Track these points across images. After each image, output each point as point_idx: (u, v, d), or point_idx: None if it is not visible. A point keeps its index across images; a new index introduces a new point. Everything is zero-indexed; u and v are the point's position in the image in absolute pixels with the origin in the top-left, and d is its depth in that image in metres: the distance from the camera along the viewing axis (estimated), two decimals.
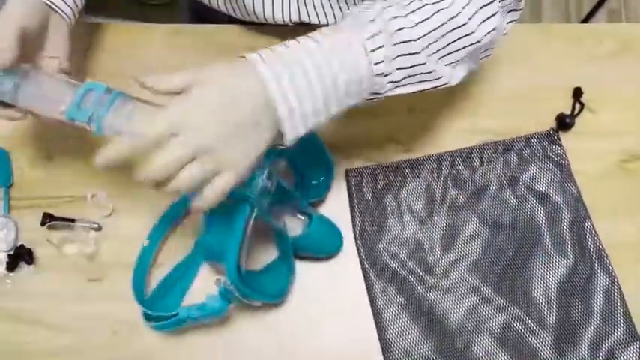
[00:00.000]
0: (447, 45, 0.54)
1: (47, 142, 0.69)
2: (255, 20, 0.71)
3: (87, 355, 0.61)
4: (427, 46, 0.52)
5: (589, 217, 0.66)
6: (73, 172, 0.67)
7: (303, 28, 0.70)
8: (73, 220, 0.64)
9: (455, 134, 0.70)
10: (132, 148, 0.46)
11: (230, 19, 0.74)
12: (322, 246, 0.65)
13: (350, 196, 0.67)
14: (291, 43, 0.48)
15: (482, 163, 0.68)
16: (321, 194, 0.66)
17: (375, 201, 0.66)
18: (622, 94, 0.73)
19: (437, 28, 0.52)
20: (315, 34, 0.49)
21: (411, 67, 0.52)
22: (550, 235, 0.65)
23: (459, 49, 0.55)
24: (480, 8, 0.54)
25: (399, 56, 0.51)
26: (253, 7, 0.69)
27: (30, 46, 0.56)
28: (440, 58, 0.54)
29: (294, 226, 0.64)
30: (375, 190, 0.67)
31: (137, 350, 0.61)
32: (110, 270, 0.63)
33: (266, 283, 0.60)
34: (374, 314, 0.63)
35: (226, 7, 0.71)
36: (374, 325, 0.62)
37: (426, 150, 0.68)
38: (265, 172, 0.52)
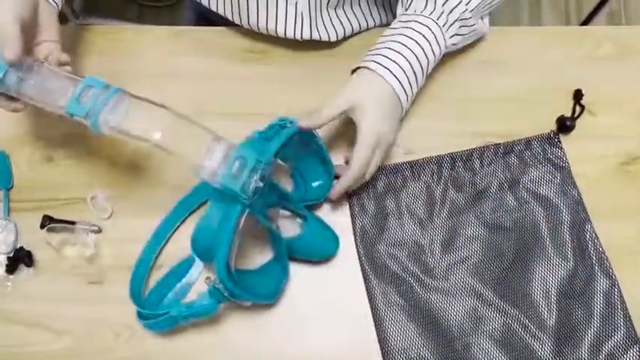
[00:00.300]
0: (488, 4, 0.68)
1: (47, 145, 0.69)
2: (265, 34, 0.72)
3: (87, 358, 0.61)
4: (477, 14, 0.67)
5: (589, 220, 0.66)
6: (72, 174, 0.68)
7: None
8: (72, 223, 0.64)
9: (455, 136, 0.70)
10: (355, 179, 0.61)
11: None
12: (316, 249, 0.65)
13: (349, 197, 0.67)
14: (399, 47, 0.63)
15: (482, 166, 0.68)
16: (320, 196, 0.65)
17: (375, 202, 0.66)
18: (622, 97, 0.73)
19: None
20: (407, 32, 0.64)
21: (467, 33, 0.68)
22: (550, 238, 0.65)
23: (496, 3, 0.69)
24: None
25: (459, 28, 0.66)
26: (267, 25, 0.70)
27: (26, 36, 0.56)
28: (483, 16, 0.70)
29: (289, 227, 0.64)
30: (375, 191, 0.67)
31: (137, 353, 0.61)
32: (110, 272, 0.63)
33: (258, 284, 0.60)
34: (373, 316, 0.63)
35: (233, 19, 0.72)
36: (373, 327, 0.62)
37: (426, 152, 0.68)
38: (258, 172, 0.52)
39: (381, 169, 0.67)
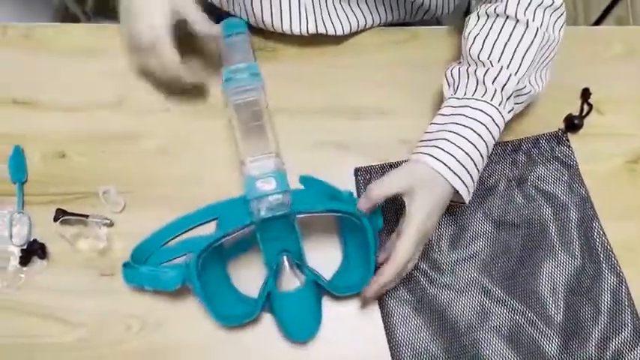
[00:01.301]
0: (541, 62, 0.65)
1: (60, 140, 0.70)
2: (272, 31, 0.72)
3: (99, 349, 0.61)
4: (530, 76, 0.63)
5: (597, 218, 0.66)
6: (85, 169, 0.68)
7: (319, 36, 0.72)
8: (86, 216, 0.65)
9: None
10: (397, 274, 0.58)
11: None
12: (296, 322, 0.61)
13: (359, 194, 0.68)
14: (462, 143, 0.59)
15: (490, 163, 0.68)
16: (355, 288, 0.61)
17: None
18: (630, 96, 0.74)
19: (532, 60, 0.62)
20: (467, 121, 0.60)
21: (525, 99, 0.64)
22: (558, 235, 0.66)
23: (550, 59, 0.66)
24: (557, 17, 0.66)
25: (516, 97, 0.63)
26: (272, 21, 0.71)
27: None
28: (537, 75, 0.65)
29: (288, 280, 0.62)
30: None
31: (148, 346, 0.61)
32: (122, 265, 0.64)
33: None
34: (382, 312, 0.63)
35: (241, 16, 0.73)
36: (381, 322, 0.63)
37: None
38: (276, 202, 0.57)
39: (390, 165, 0.68)
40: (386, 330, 0.62)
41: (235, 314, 0.60)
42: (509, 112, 0.62)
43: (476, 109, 0.60)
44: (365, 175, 0.68)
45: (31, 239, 0.65)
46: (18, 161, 0.68)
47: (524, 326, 0.62)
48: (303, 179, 0.66)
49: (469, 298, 0.63)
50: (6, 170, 0.67)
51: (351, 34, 0.76)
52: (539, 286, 0.64)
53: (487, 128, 0.60)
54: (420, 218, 0.57)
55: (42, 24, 0.78)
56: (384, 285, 0.58)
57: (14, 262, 0.64)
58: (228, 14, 0.75)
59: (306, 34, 0.72)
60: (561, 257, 0.65)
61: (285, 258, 0.61)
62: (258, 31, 0.75)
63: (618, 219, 0.67)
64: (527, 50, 0.62)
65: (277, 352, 0.62)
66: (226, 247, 0.63)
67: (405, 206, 0.58)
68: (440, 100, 0.70)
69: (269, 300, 0.60)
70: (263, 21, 0.71)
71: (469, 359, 0.61)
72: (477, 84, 0.62)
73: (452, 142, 0.59)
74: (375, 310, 0.63)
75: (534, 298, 0.63)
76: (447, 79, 0.66)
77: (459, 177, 0.58)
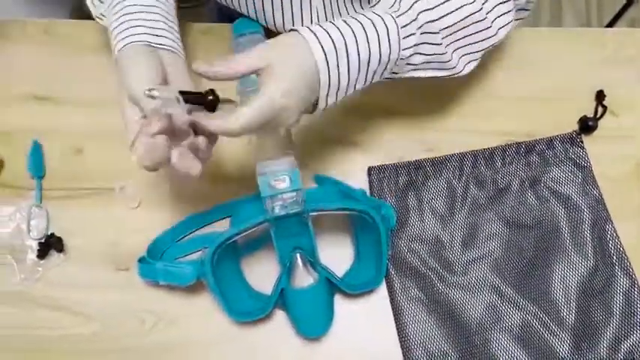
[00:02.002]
0: (466, 37, 0.59)
1: (78, 136, 0.71)
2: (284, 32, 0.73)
3: (114, 343, 0.62)
4: (448, 37, 0.57)
5: (610, 220, 0.66)
6: (102, 164, 0.69)
7: None
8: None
9: (477, 135, 0.70)
10: (225, 132, 0.50)
11: None
12: (308, 316, 0.61)
13: (371, 193, 0.68)
14: (341, 25, 0.52)
15: (504, 164, 0.68)
16: (360, 288, 0.62)
17: (396, 198, 0.67)
18: None
19: (459, 20, 0.57)
20: (358, 17, 0.53)
21: (431, 54, 0.58)
22: (571, 237, 0.66)
23: (476, 42, 0.60)
24: (497, 5, 0.59)
25: (422, 43, 0.56)
26: (283, 23, 0.71)
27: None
28: (457, 49, 0.59)
29: (301, 277, 0.61)
30: (396, 187, 0.68)
31: (162, 340, 0.62)
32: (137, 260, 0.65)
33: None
34: (393, 310, 0.63)
35: (257, 18, 0.73)
36: (393, 322, 0.63)
37: (447, 150, 0.69)
38: (290, 200, 0.57)
39: (402, 165, 0.68)
40: (397, 328, 0.63)
41: (248, 310, 0.61)
42: (409, 48, 0.55)
43: (377, 14, 0.54)
44: (378, 174, 0.68)
45: (49, 233, 0.66)
46: (37, 156, 0.69)
47: (535, 327, 0.62)
48: (318, 178, 0.67)
49: (481, 298, 0.63)
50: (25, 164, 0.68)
51: None
52: (552, 287, 0.64)
53: (378, 36, 0.53)
54: (274, 90, 0.49)
55: (61, 20, 0.79)
56: (207, 127, 0.50)
57: (32, 255, 0.65)
58: (241, 15, 0.75)
59: None
60: (574, 259, 0.65)
61: (298, 255, 0.61)
62: (270, 30, 0.76)
63: (632, 221, 0.67)
64: (457, 8, 0.56)
65: (288, 350, 0.62)
66: (240, 244, 0.64)
67: None
68: (452, 96, 0.70)
69: (282, 297, 0.60)
70: (274, 23, 0.72)
71: (480, 359, 0.61)
72: (394, 1, 0.56)
73: (334, 25, 0.52)
74: (386, 308, 0.64)
75: (546, 299, 0.63)
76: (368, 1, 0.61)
77: (325, 54, 0.51)
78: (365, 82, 0.55)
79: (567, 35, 0.78)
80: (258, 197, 0.58)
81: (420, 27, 0.55)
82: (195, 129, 0.53)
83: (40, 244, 0.65)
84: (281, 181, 0.58)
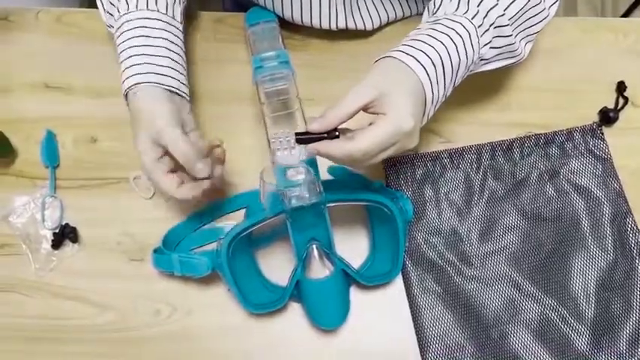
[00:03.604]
0: (526, 21, 0.61)
1: (92, 126, 0.70)
2: (300, 24, 0.72)
3: (128, 333, 0.62)
4: (515, 27, 0.59)
5: (631, 213, 0.65)
6: (116, 154, 0.69)
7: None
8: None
9: (495, 126, 0.69)
10: (353, 159, 0.51)
11: None
12: (320, 310, 0.61)
13: (388, 185, 0.67)
14: (429, 40, 0.54)
15: (522, 156, 0.67)
16: (376, 281, 0.62)
17: (412, 190, 0.67)
18: None
19: (521, 7, 0.59)
20: (437, 27, 0.55)
21: (503, 46, 0.59)
22: (590, 230, 0.65)
23: (535, 24, 0.62)
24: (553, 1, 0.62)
25: (495, 37, 0.58)
26: (301, 17, 0.71)
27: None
28: (520, 34, 0.61)
29: (316, 268, 0.61)
30: (413, 179, 0.67)
31: (177, 331, 0.62)
32: (151, 250, 0.65)
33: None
34: (410, 303, 0.63)
35: (274, 9, 0.72)
36: (409, 314, 0.63)
37: (465, 142, 0.68)
38: (307, 193, 0.56)
39: (419, 156, 0.67)
40: (414, 321, 0.62)
41: (264, 302, 0.60)
42: (485, 45, 0.57)
43: (455, 21, 0.56)
44: (394, 166, 0.67)
45: (63, 223, 0.66)
46: (50, 145, 0.69)
47: (554, 321, 0.61)
48: (332, 170, 0.66)
49: (498, 292, 0.63)
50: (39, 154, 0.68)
51: (380, 27, 0.75)
52: (571, 280, 0.63)
53: (463, 42, 0.55)
54: (397, 115, 0.50)
55: (74, 9, 0.78)
56: (333, 157, 0.52)
57: (46, 245, 0.65)
58: (254, 4, 0.74)
59: (335, 29, 0.72)
60: (593, 252, 0.64)
61: (314, 247, 0.60)
62: (285, 21, 0.75)
63: None
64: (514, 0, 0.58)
65: (304, 341, 0.62)
66: (254, 235, 0.63)
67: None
68: (470, 88, 0.69)
69: (297, 288, 0.60)
70: (292, 16, 0.71)
71: (498, 352, 0.61)
72: (459, 3, 0.58)
73: (422, 42, 0.54)
74: (403, 301, 0.63)
75: (565, 292, 0.63)
76: (427, 9, 0.62)
77: (427, 73, 0.53)
78: (452, 87, 0.57)
79: (587, 25, 0.77)
80: (276, 188, 0.58)
81: (492, 23, 0.57)
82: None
83: (54, 234, 0.65)
84: (297, 171, 0.57)
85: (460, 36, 0.55)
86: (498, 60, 0.61)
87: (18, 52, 0.75)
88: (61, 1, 1.05)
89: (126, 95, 0.59)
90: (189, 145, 0.55)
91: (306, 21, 0.71)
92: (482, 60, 0.59)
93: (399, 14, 0.76)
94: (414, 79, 0.53)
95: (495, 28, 0.58)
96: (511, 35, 0.59)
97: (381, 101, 0.51)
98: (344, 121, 0.51)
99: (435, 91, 0.54)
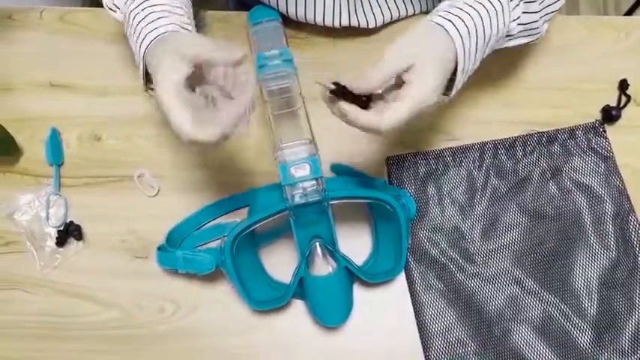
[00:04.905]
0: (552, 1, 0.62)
1: (96, 124, 0.71)
2: (304, 22, 0.72)
3: (132, 330, 0.62)
4: (541, 1, 0.60)
5: (633, 211, 0.65)
6: (120, 152, 0.69)
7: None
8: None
9: (498, 124, 0.69)
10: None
11: None
12: (323, 307, 0.61)
13: (390, 183, 0.67)
14: (467, 9, 0.54)
15: (525, 154, 0.67)
16: (380, 278, 0.62)
17: (415, 188, 0.67)
18: None
19: None
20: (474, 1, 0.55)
21: (528, 23, 0.60)
22: (593, 228, 0.65)
23: (555, 2, 0.63)
24: None
25: (523, 13, 0.58)
26: (305, 14, 0.71)
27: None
28: (543, 15, 0.62)
29: (319, 266, 0.61)
30: (415, 177, 0.67)
31: (181, 328, 0.62)
32: (155, 248, 0.65)
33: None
34: (412, 300, 0.63)
35: (278, 7, 0.73)
36: (412, 311, 0.63)
37: (468, 139, 0.68)
38: (311, 189, 0.57)
39: (422, 154, 0.68)
40: (417, 318, 0.62)
41: (267, 299, 0.61)
42: (514, 21, 0.58)
43: None
44: (397, 164, 0.68)
45: (68, 221, 0.66)
46: (54, 143, 0.69)
47: (556, 318, 0.62)
48: (335, 167, 0.66)
49: (501, 289, 0.63)
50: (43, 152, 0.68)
51: (384, 25, 0.75)
52: (573, 278, 0.63)
53: (497, 13, 0.55)
54: (423, 92, 0.51)
55: (77, 8, 0.79)
56: (355, 123, 0.52)
57: (51, 243, 0.66)
58: (258, 3, 0.74)
59: (339, 27, 0.72)
60: (596, 250, 0.64)
61: (317, 244, 0.61)
62: (289, 19, 0.75)
63: None
64: None
65: (307, 338, 0.62)
66: (258, 233, 0.63)
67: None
68: (473, 86, 0.69)
69: (301, 285, 0.60)
70: (296, 13, 0.71)
71: (500, 349, 0.61)
72: None
73: (461, 9, 0.54)
74: (405, 298, 0.63)
75: (567, 290, 0.63)
76: None
77: (463, 43, 0.53)
78: (481, 60, 0.57)
79: (589, 23, 0.77)
80: (277, 186, 0.58)
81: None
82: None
83: (58, 231, 0.65)
84: (301, 169, 0.57)
85: (495, 8, 0.55)
86: (520, 37, 0.62)
87: (22, 51, 0.75)
88: (65, 0, 1.05)
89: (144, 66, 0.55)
90: (216, 44, 0.51)
91: (310, 18, 0.71)
92: (508, 35, 0.59)
93: (403, 13, 0.76)
94: (450, 50, 0.53)
95: (525, 3, 0.58)
96: (537, 12, 0.60)
97: (412, 69, 0.51)
98: (382, 86, 0.52)
99: (467, 63, 0.54)
